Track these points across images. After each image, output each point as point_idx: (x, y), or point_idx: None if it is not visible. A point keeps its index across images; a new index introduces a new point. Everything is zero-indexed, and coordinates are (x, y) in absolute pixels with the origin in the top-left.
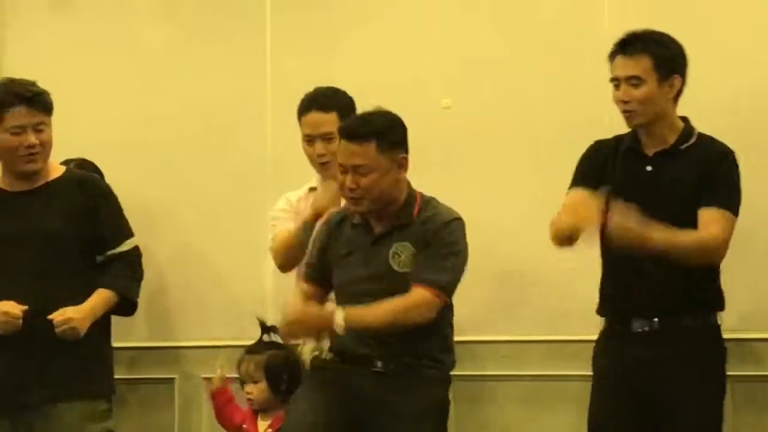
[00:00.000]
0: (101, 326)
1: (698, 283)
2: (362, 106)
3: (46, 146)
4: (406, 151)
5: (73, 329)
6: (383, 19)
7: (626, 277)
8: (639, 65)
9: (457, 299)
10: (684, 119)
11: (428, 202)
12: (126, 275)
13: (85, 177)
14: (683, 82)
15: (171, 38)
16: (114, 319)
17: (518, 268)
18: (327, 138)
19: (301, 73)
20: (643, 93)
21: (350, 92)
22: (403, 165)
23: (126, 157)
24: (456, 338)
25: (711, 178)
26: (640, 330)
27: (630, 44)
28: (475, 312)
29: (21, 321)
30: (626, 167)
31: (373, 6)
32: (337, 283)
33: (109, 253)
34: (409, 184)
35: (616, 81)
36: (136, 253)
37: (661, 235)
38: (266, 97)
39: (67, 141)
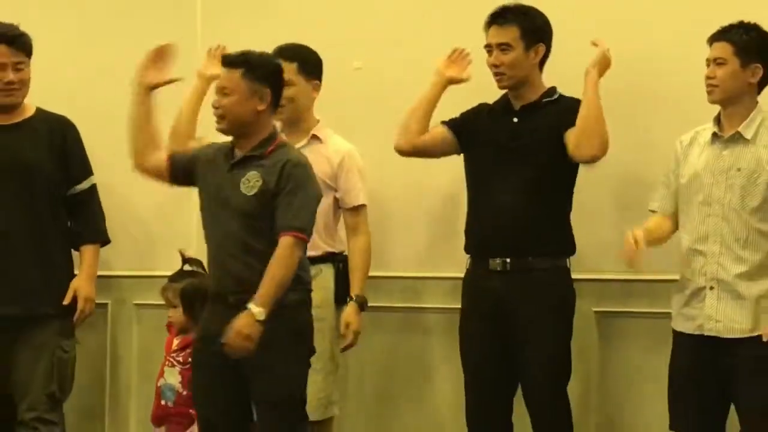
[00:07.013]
0: (64, 244)
1: (547, 228)
2: None
3: (25, 84)
4: (273, 89)
5: (91, 305)
6: None
7: (485, 218)
8: (508, 34)
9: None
10: (552, 88)
11: (286, 145)
12: (98, 220)
13: (56, 117)
14: (548, 50)
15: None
16: None
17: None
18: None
19: (230, 38)
20: (511, 58)
21: None
22: (263, 99)
23: (56, 103)
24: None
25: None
26: (497, 269)
27: (501, 16)
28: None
29: None
30: (496, 118)
31: None
32: (200, 200)
33: (78, 189)
34: (274, 127)
35: (489, 48)
36: (96, 191)
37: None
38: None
39: None
